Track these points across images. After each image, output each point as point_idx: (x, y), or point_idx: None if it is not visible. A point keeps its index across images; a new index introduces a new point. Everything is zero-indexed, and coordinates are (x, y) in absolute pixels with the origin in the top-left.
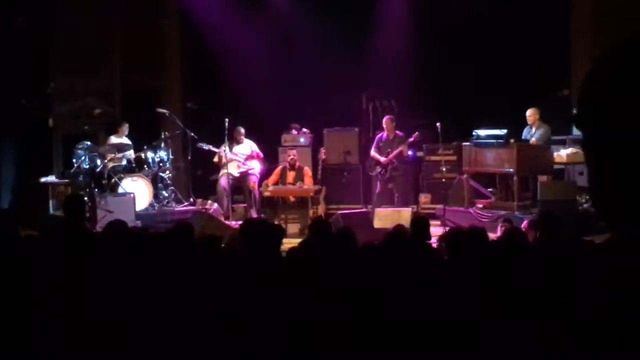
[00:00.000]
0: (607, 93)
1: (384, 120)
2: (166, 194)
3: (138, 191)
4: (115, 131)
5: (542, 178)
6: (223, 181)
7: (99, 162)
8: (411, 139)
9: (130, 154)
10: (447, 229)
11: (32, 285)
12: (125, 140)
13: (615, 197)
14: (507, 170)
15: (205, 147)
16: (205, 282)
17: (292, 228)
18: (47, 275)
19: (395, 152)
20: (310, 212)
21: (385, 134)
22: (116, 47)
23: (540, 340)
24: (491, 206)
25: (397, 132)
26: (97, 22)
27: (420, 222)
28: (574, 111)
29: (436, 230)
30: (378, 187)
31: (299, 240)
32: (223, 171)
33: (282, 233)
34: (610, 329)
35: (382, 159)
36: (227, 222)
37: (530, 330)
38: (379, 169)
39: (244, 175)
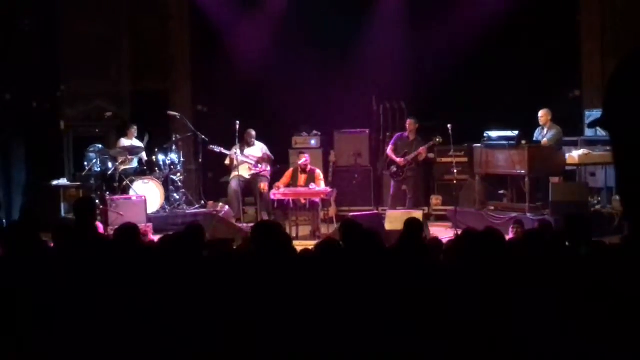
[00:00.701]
0: (634, 93)
1: (408, 121)
2: (177, 197)
3: (149, 194)
4: (125, 134)
5: (554, 179)
6: (234, 184)
7: (110, 164)
8: (432, 143)
9: (142, 156)
10: (459, 231)
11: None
12: (137, 142)
13: None
14: (519, 171)
15: (217, 149)
16: (216, 284)
17: (304, 230)
18: (59, 278)
19: (415, 153)
20: (321, 214)
21: (406, 134)
22: (125, 49)
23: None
24: (503, 208)
25: (418, 136)
26: (106, 24)
27: (413, 224)
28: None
29: (442, 231)
30: (392, 189)
31: (310, 242)
32: (234, 174)
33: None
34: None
35: (399, 159)
36: (238, 224)
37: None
38: (394, 169)
39: (255, 178)
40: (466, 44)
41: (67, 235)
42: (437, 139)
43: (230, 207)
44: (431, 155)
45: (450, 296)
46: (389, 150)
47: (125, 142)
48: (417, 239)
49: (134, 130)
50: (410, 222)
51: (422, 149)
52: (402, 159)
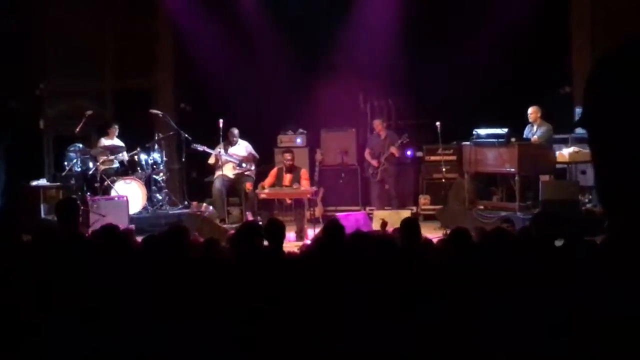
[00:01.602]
0: (610, 92)
1: (374, 123)
2: (160, 197)
3: (131, 194)
4: (105, 133)
5: (544, 178)
6: (218, 183)
7: (91, 164)
8: (399, 141)
9: (123, 156)
10: (448, 231)
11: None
12: (117, 142)
13: (620, 195)
14: (509, 170)
15: (200, 148)
16: (199, 285)
17: (289, 230)
18: (40, 279)
19: (386, 154)
20: (307, 214)
21: (376, 134)
22: (107, 47)
23: None
24: (492, 207)
25: (390, 132)
26: (88, 22)
27: (410, 224)
28: (577, 113)
29: (430, 231)
30: (375, 189)
31: (296, 243)
32: (218, 173)
33: (282, 230)
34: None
35: (374, 161)
36: (222, 225)
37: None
38: (370, 170)
39: (240, 177)
40: (454, 40)
41: (49, 237)
42: (404, 137)
43: (215, 208)
44: (419, 154)
45: (443, 296)
46: (366, 153)
47: (105, 141)
48: (416, 241)
49: (115, 129)
50: (407, 223)
51: (392, 150)
52: (377, 160)
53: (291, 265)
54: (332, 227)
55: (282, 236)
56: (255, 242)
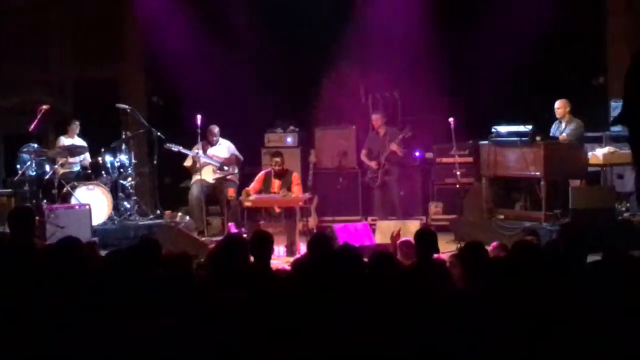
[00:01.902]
0: None
1: (373, 118)
2: (128, 205)
3: (95, 202)
4: (64, 131)
5: (575, 182)
6: (196, 190)
7: (47, 168)
8: (400, 136)
9: (85, 157)
10: (462, 245)
11: None
12: (78, 141)
13: None
14: (533, 173)
15: (175, 148)
16: (172, 309)
17: (278, 243)
18: None
19: (386, 153)
20: (300, 225)
21: (374, 131)
22: (67, 31)
23: None
24: (514, 217)
25: (389, 128)
26: (44, 2)
27: (427, 236)
28: (612, 107)
29: (442, 245)
30: (376, 196)
31: (286, 259)
32: (196, 177)
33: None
34: None
35: (372, 162)
36: (201, 237)
37: None
38: (370, 174)
39: (221, 183)
40: (471, 23)
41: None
42: (406, 131)
43: (192, 218)
44: (429, 155)
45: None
46: (363, 154)
47: (65, 140)
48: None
49: (76, 126)
50: (423, 234)
51: (393, 148)
52: (375, 161)
53: (280, 284)
54: (317, 242)
55: (269, 251)
56: (239, 258)
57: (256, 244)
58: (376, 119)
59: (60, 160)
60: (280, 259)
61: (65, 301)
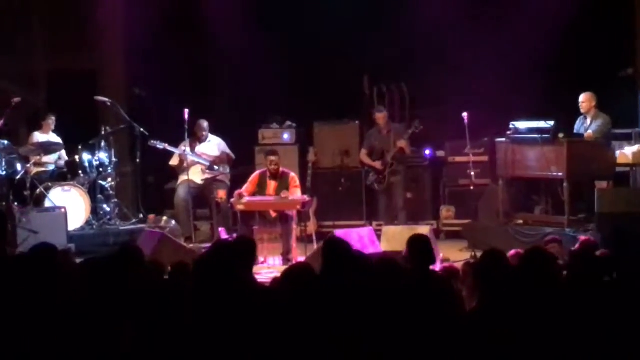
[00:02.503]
0: None
1: (375, 115)
2: (108, 209)
3: (71, 205)
4: (39, 126)
5: (601, 184)
6: (183, 191)
7: (19, 167)
8: (410, 131)
9: (61, 155)
10: (477, 252)
11: None
12: (54, 137)
13: None
14: (555, 174)
15: (160, 146)
16: (155, 324)
17: (273, 251)
18: None
19: (394, 151)
20: (297, 230)
21: (377, 128)
22: (39, 17)
23: None
24: (534, 221)
25: (394, 124)
26: None
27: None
28: None
29: (454, 253)
30: (382, 200)
31: (281, 267)
32: (182, 178)
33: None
34: None
35: (376, 163)
36: (188, 244)
37: None
38: (373, 176)
39: (210, 184)
40: (488, 8)
41: None
42: (416, 125)
43: (178, 222)
44: (441, 153)
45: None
46: (362, 154)
47: (39, 137)
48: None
49: (52, 121)
50: (415, 241)
51: (401, 144)
52: (380, 161)
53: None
54: (331, 248)
55: (251, 259)
56: (227, 268)
57: (237, 251)
58: (381, 117)
59: (34, 159)
60: (276, 269)
61: (37, 315)
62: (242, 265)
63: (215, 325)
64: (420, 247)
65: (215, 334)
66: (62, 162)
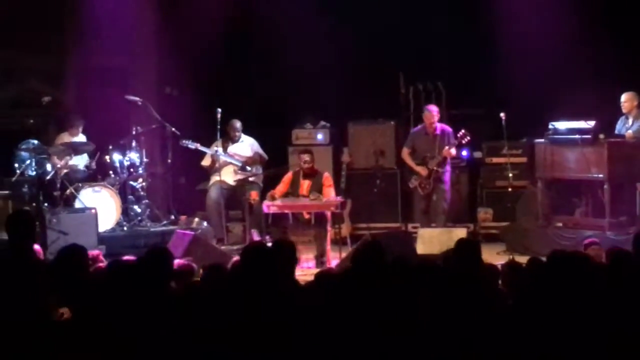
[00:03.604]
0: None
1: (426, 110)
2: (139, 210)
3: (102, 206)
4: (70, 125)
5: None
6: (215, 192)
7: (49, 167)
8: (455, 142)
9: (90, 158)
10: (514, 256)
11: None
12: (83, 138)
13: None
14: (596, 175)
15: (192, 145)
16: (185, 327)
17: (307, 254)
18: None
19: (440, 158)
20: (331, 232)
21: (424, 128)
22: (70, 14)
23: None
24: (574, 224)
25: (443, 126)
26: None
27: (468, 247)
28: None
29: (492, 256)
30: (422, 203)
31: (314, 270)
32: (214, 179)
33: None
34: None
35: (419, 168)
36: (220, 246)
37: None
38: (416, 181)
39: (243, 185)
40: (524, 4)
41: None
42: (461, 136)
43: (210, 224)
44: (478, 154)
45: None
46: (405, 153)
47: (66, 138)
48: (473, 269)
49: (80, 125)
50: (464, 244)
51: (446, 151)
52: (424, 167)
53: (307, 299)
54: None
55: (293, 261)
56: (263, 271)
57: (276, 254)
58: (433, 114)
59: (64, 159)
60: (309, 271)
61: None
62: (284, 269)
63: (256, 329)
64: (469, 252)
65: (255, 337)
66: (92, 163)
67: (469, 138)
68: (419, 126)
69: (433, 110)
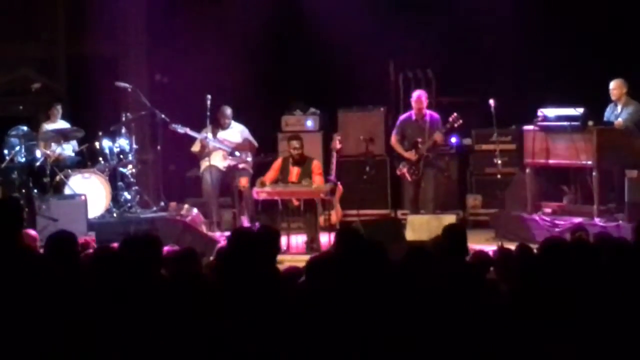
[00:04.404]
0: None
1: (414, 97)
2: (129, 196)
3: (91, 192)
4: (46, 116)
5: (632, 173)
6: (209, 177)
7: (38, 153)
8: (447, 125)
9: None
10: (504, 243)
11: None
12: (63, 125)
13: None
14: (584, 162)
15: (181, 130)
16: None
17: (297, 241)
18: None
19: (429, 143)
20: (321, 219)
21: (412, 115)
22: (60, 3)
23: None
24: (563, 211)
25: (432, 112)
26: None
27: (454, 232)
28: None
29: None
30: (411, 190)
31: (304, 257)
32: (205, 164)
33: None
34: None
35: (408, 154)
36: (210, 233)
37: None
38: (405, 167)
39: (232, 171)
40: None
41: None
42: (453, 119)
43: (207, 209)
44: (467, 141)
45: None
46: (394, 140)
47: (48, 127)
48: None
49: (58, 110)
50: (451, 230)
51: (437, 137)
52: (413, 152)
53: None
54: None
55: (275, 249)
56: (250, 258)
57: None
58: (422, 100)
59: (53, 146)
60: (299, 257)
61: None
62: (265, 256)
63: (237, 315)
64: (456, 238)
65: (236, 324)
66: (82, 149)
67: (460, 121)
68: (407, 113)
69: (422, 95)
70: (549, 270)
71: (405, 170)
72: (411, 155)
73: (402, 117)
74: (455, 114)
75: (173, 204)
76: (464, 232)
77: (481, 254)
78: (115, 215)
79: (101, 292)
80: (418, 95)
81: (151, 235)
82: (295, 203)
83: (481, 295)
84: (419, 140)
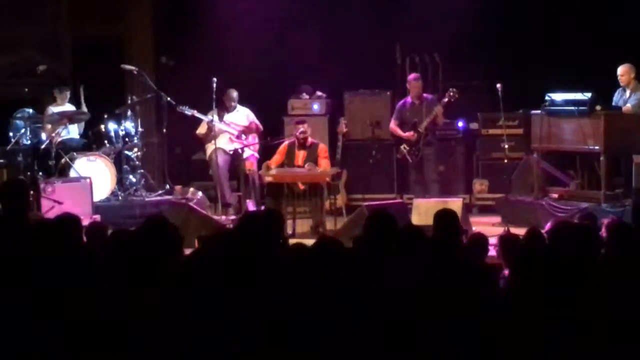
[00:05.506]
0: None
1: (409, 80)
2: (134, 179)
3: (97, 175)
4: (52, 99)
5: (639, 159)
6: (219, 159)
7: (44, 136)
8: (445, 99)
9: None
10: (510, 227)
11: None
12: (69, 108)
13: None
14: (592, 147)
15: (188, 112)
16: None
17: (302, 225)
18: None
19: (429, 119)
20: (327, 203)
21: (409, 99)
22: None
23: None
24: (570, 196)
25: (425, 95)
26: None
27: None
28: None
29: (488, 227)
30: (413, 172)
31: (310, 241)
32: (211, 148)
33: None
34: None
35: (407, 134)
36: (226, 215)
37: None
38: (405, 148)
39: (238, 155)
40: None
41: None
42: (451, 93)
43: (221, 190)
44: (474, 126)
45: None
46: (392, 125)
47: (54, 110)
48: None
49: (66, 94)
50: (441, 215)
51: (437, 110)
52: (412, 132)
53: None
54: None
55: (278, 233)
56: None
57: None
58: (418, 84)
59: (58, 128)
60: (305, 242)
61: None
62: (269, 239)
63: (241, 297)
64: (446, 222)
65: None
66: (89, 132)
67: (457, 96)
68: (404, 99)
69: (418, 80)
70: (558, 255)
71: (405, 152)
72: (410, 135)
73: (399, 103)
74: (452, 89)
75: (178, 187)
76: (455, 216)
77: (478, 237)
78: (120, 198)
79: (112, 275)
80: (416, 80)
81: (158, 219)
82: (301, 187)
83: (477, 281)
84: (417, 120)
